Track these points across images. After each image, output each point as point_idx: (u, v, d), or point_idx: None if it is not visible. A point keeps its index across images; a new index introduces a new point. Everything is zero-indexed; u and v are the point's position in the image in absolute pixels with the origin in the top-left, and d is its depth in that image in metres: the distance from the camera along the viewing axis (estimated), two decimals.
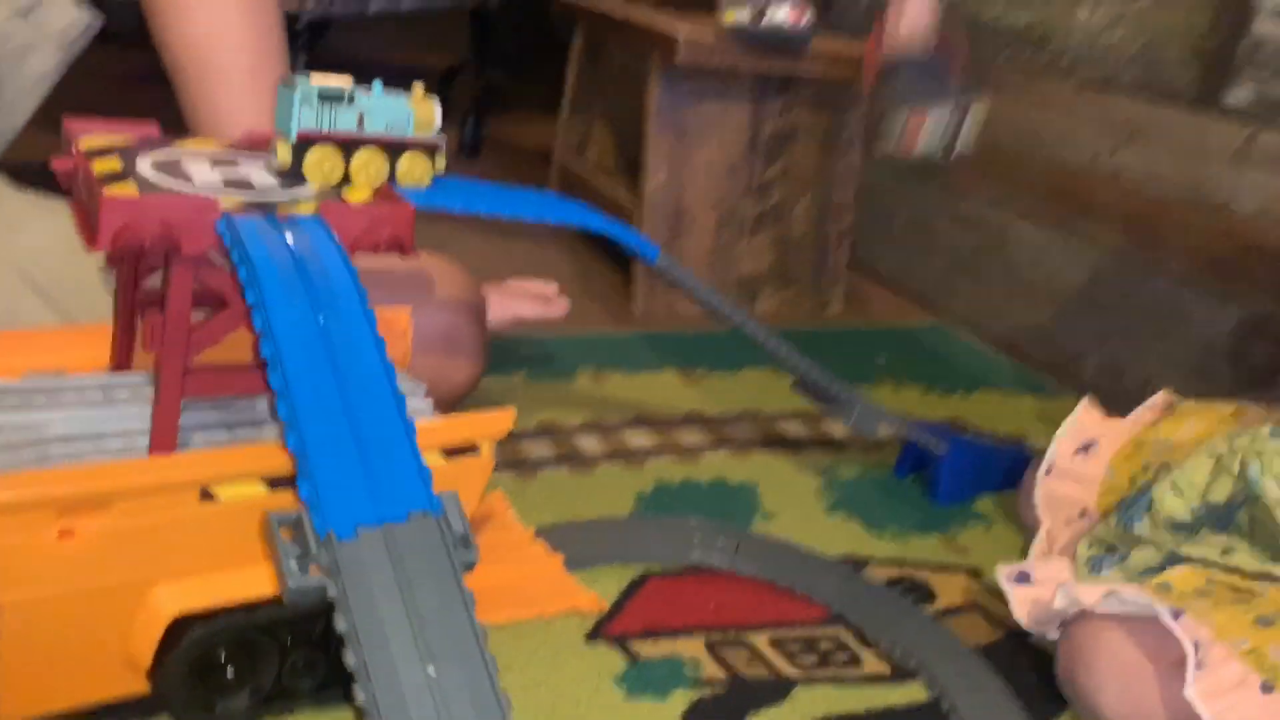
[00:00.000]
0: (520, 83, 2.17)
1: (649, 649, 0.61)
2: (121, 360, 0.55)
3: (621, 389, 0.96)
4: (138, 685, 0.50)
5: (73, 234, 0.66)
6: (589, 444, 0.84)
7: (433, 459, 0.52)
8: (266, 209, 0.46)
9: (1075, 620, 0.55)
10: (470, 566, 0.36)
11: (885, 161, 1.31)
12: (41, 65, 0.70)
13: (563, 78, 1.46)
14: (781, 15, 1.10)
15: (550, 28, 2.20)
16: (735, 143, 1.19)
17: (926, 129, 0.91)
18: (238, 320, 0.47)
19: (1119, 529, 0.60)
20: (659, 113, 1.15)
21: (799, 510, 0.79)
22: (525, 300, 0.86)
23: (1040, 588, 0.59)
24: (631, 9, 1.28)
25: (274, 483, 0.48)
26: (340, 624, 0.32)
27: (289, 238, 0.43)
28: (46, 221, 0.64)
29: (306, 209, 0.46)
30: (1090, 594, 0.54)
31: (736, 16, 1.10)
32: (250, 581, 0.49)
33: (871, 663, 0.62)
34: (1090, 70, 1.14)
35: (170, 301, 0.44)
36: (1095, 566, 0.59)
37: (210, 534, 0.48)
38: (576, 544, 0.68)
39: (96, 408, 0.52)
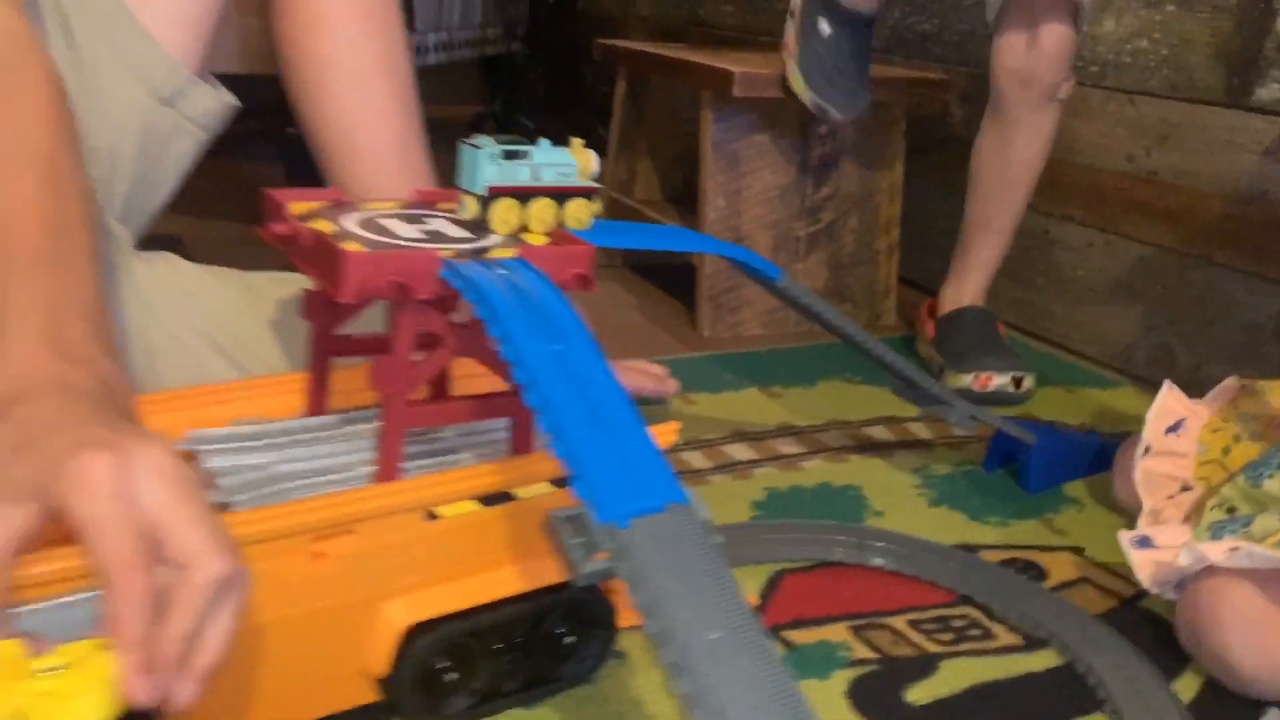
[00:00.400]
0: (547, 127, 2.24)
1: (800, 636, 0.66)
2: (316, 405, 0.61)
3: (711, 408, 1.01)
4: (369, 695, 0.55)
5: (241, 296, 0.72)
6: (696, 459, 0.90)
7: None
8: (477, 255, 0.51)
9: (1199, 577, 0.61)
10: (719, 547, 0.41)
11: (926, 175, 1.38)
12: (184, 147, 0.76)
13: (589, 121, 1.53)
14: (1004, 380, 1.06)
15: (576, 73, 2.28)
16: (786, 169, 1.26)
17: (993, 383, 1.03)
18: (449, 357, 0.53)
19: (1247, 486, 0.65)
20: (714, 145, 1.21)
21: (904, 507, 0.84)
22: (645, 378, 0.96)
23: (1162, 551, 0.64)
24: (677, 50, 1.35)
25: (486, 500, 0.54)
26: (636, 599, 0.38)
27: (507, 278, 0.49)
28: (218, 287, 0.70)
29: (508, 253, 0.52)
30: (1216, 550, 0.59)
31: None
32: (466, 592, 0.55)
33: (1004, 636, 0.68)
34: (1120, 78, 1.21)
35: (397, 343, 0.50)
36: (1217, 532, 0.64)
37: (434, 551, 0.54)
38: None
39: (308, 447, 0.58)
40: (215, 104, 0.76)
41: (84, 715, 0.41)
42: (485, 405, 0.55)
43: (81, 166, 0.57)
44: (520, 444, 0.56)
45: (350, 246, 0.49)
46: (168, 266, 0.70)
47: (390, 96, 0.76)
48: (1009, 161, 1.11)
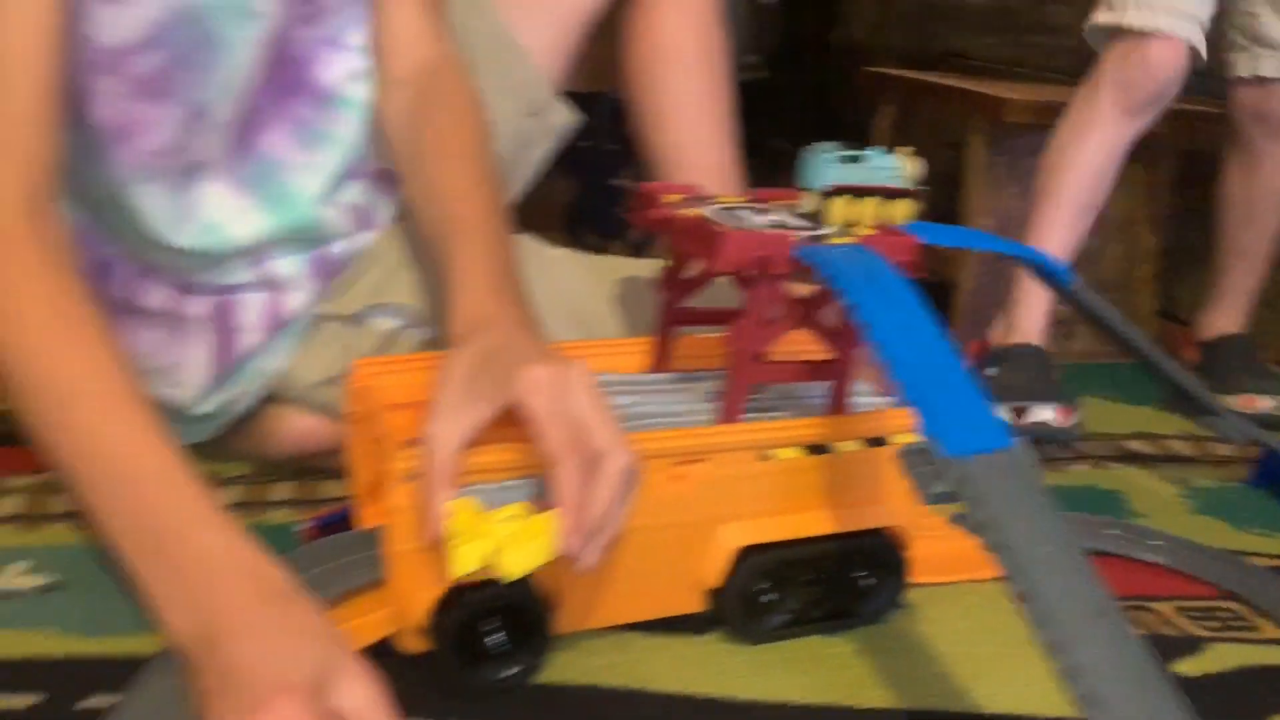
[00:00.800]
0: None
1: None
2: (660, 364, 0.72)
3: None
4: (698, 605, 0.66)
5: (587, 275, 0.85)
6: None
7: (907, 438, 0.66)
8: (817, 241, 0.61)
9: None
10: (1047, 490, 0.49)
11: (1195, 208, 1.39)
12: (538, 154, 0.90)
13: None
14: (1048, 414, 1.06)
15: (826, 100, 2.38)
16: None
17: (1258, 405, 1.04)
18: (790, 326, 0.63)
19: None
20: (983, 168, 1.28)
21: (1166, 513, 0.88)
22: None
23: None
24: (950, 77, 1.42)
25: (810, 449, 0.64)
26: (976, 517, 0.46)
27: (851, 257, 0.58)
28: (569, 266, 0.83)
29: (845, 240, 0.62)
30: None
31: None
32: (788, 526, 0.65)
33: (1270, 630, 0.71)
34: None
35: (752, 309, 0.61)
36: None
37: (765, 487, 0.64)
38: None
39: (657, 396, 0.69)
40: (567, 118, 0.90)
41: (538, 554, 0.53)
42: (813, 369, 0.65)
43: (495, 160, 0.71)
44: (837, 405, 0.66)
45: (726, 229, 0.60)
46: (529, 245, 0.84)
47: (715, 119, 0.89)
48: (1255, 192, 1.13)
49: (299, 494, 0.82)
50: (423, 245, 0.73)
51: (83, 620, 0.65)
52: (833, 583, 0.66)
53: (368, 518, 0.68)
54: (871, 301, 0.53)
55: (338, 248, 0.80)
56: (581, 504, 0.54)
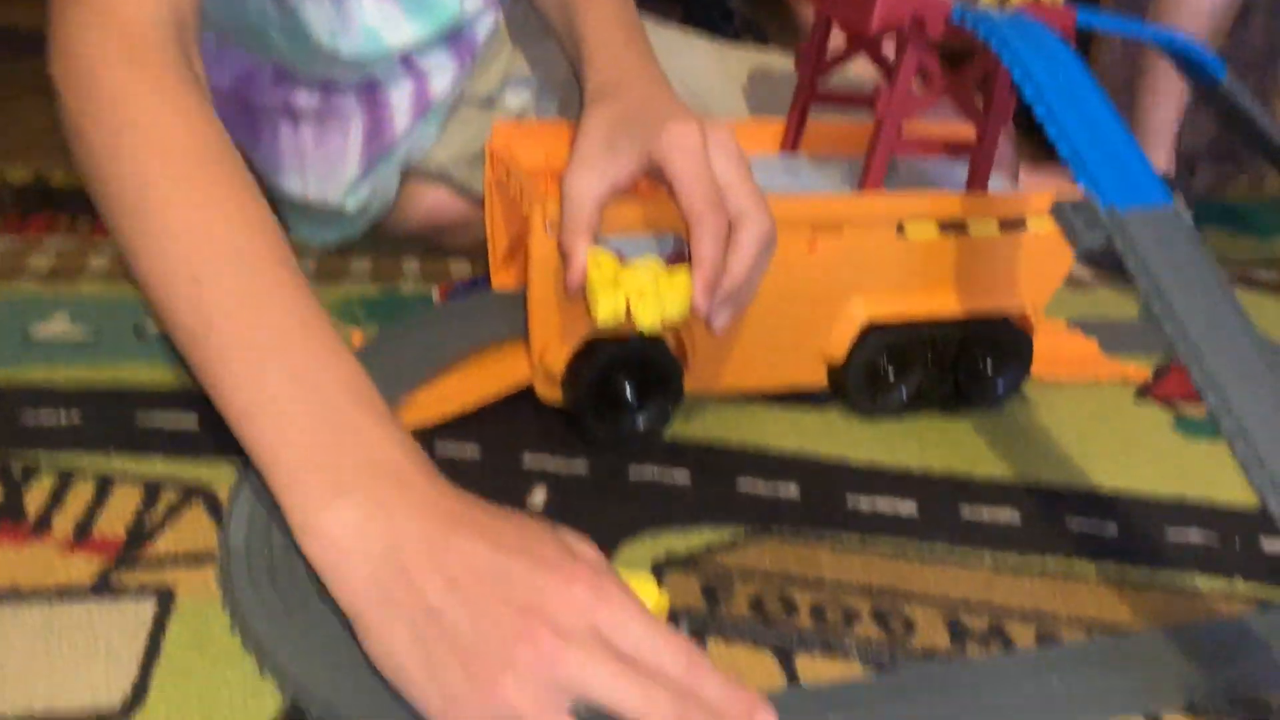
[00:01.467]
0: None
1: (1192, 410, 0.72)
2: (791, 143, 0.72)
3: None
4: (820, 378, 0.67)
5: (708, 57, 0.84)
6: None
7: (1046, 223, 0.66)
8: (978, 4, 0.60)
9: None
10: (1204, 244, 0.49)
11: None
12: None
13: None
14: None
15: None
16: None
17: None
18: (937, 96, 0.62)
19: None
20: None
21: None
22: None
23: None
24: None
25: (945, 227, 0.64)
26: (1130, 264, 0.46)
27: (1010, 20, 0.57)
28: (688, 46, 0.82)
29: (1008, 7, 0.60)
30: None
31: None
32: (916, 303, 0.65)
33: None
34: None
35: (902, 73, 0.60)
36: None
37: (897, 261, 0.64)
38: (1105, 335, 0.80)
39: (789, 175, 0.69)
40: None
41: (673, 308, 0.54)
42: (957, 146, 0.64)
43: None
44: (977, 183, 0.65)
45: None
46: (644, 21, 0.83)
47: None
48: None
49: (427, 269, 0.85)
50: (548, 13, 0.73)
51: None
52: (956, 365, 0.67)
53: (505, 284, 0.70)
54: (1033, 59, 0.52)
55: (474, 32, 0.79)
56: (719, 265, 0.55)
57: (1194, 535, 0.59)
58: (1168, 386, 0.75)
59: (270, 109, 0.77)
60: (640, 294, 0.54)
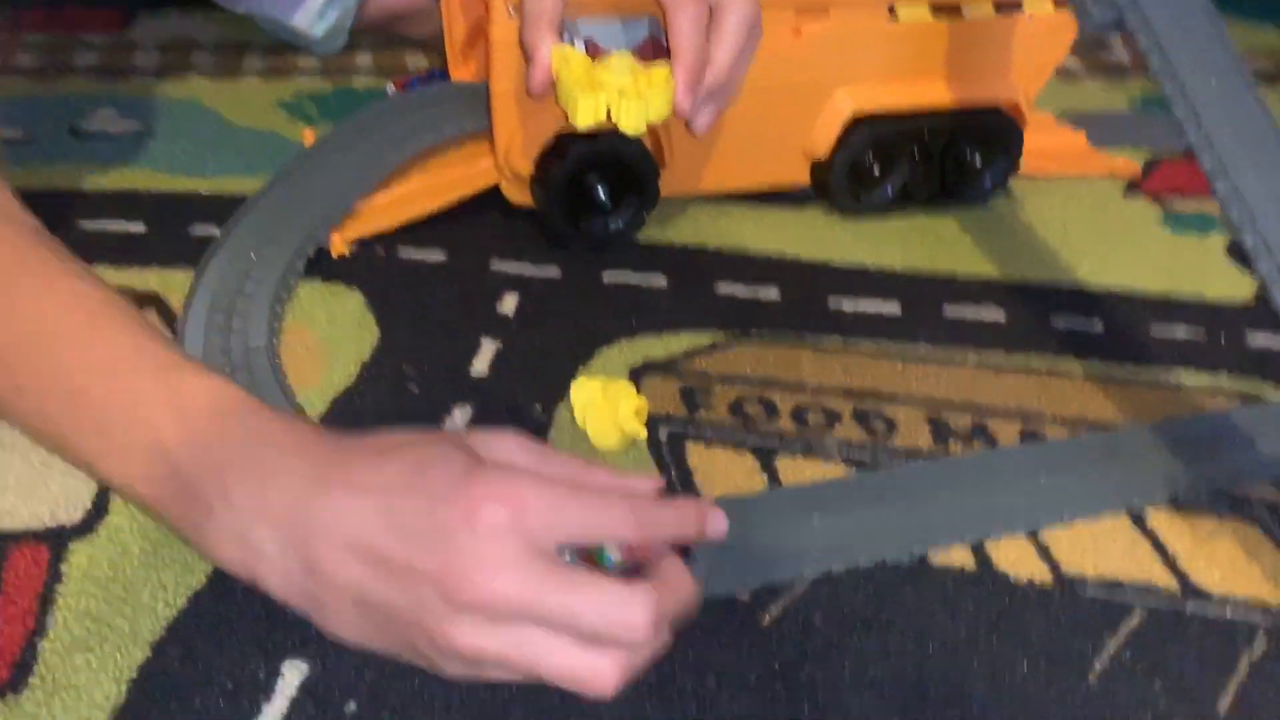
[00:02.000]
0: None
1: (1180, 205, 0.70)
2: None
3: None
4: (800, 175, 0.64)
5: None
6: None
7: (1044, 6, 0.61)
8: None
9: None
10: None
11: None
12: None
13: None
14: None
15: None
16: None
17: None
18: None
19: None
20: None
21: None
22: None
23: None
24: None
25: (936, 10, 0.60)
26: (1144, 42, 0.43)
27: None
28: None
29: None
30: None
31: None
32: (904, 94, 0.61)
33: None
34: None
35: None
36: None
37: (887, 48, 0.60)
38: (1094, 127, 0.77)
39: None
40: None
41: (655, 109, 0.50)
42: None
43: None
44: None
45: None
46: None
47: None
48: None
49: (381, 62, 0.79)
50: None
51: (179, 161, 0.65)
52: (943, 159, 0.64)
53: (463, 77, 0.65)
54: None
55: None
56: (701, 56, 0.50)
57: (1180, 331, 0.58)
58: (1157, 181, 0.73)
59: None
60: (621, 94, 0.50)
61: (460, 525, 0.32)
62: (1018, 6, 0.61)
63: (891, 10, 0.58)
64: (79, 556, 0.39)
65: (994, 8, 0.61)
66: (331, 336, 0.51)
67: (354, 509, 0.33)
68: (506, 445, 0.36)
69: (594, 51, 0.53)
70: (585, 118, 0.51)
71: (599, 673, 0.32)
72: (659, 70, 0.51)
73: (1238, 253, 0.65)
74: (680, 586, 0.34)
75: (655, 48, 0.54)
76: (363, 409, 0.47)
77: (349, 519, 0.33)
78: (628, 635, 0.32)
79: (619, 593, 0.32)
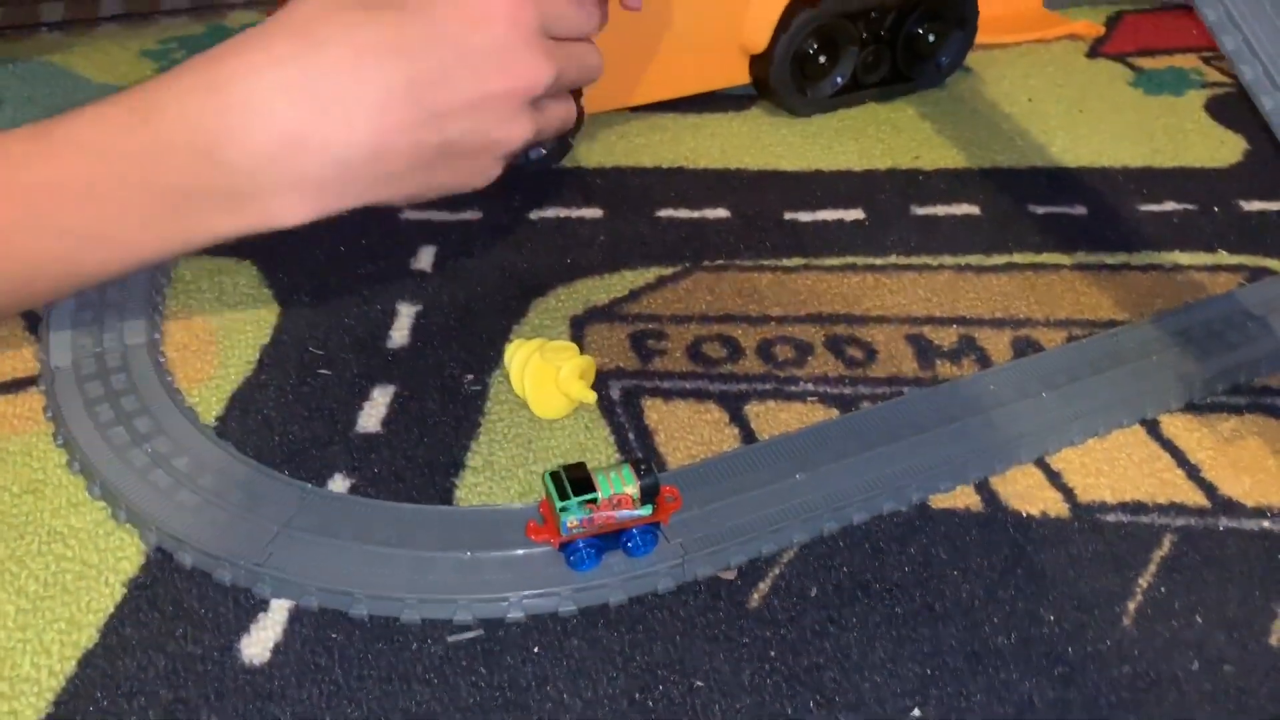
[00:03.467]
0: None
1: (1149, 63, 0.65)
2: None
3: None
4: (742, 76, 0.57)
5: None
6: None
7: None
8: None
9: None
10: None
11: None
12: None
13: None
14: None
15: None
16: None
17: None
18: None
19: None
20: None
21: None
22: None
23: None
24: None
25: None
26: None
27: None
28: None
29: None
30: None
31: None
32: None
33: None
34: None
35: None
36: None
37: None
38: None
39: None
40: None
41: None
42: None
43: None
44: None
45: None
46: None
47: None
48: None
49: None
50: None
51: None
52: (892, 42, 0.57)
53: None
54: None
55: None
56: None
57: (1169, 205, 0.53)
58: (1121, 40, 0.67)
59: None
60: None
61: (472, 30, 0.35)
62: None
63: None
64: None
65: None
66: (223, 321, 0.45)
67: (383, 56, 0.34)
68: None
69: None
70: None
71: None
72: None
73: (1218, 111, 0.60)
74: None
75: None
76: (266, 402, 0.41)
77: (384, 76, 0.34)
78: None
79: None
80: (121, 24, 0.67)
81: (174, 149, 0.34)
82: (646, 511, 0.33)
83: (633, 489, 0.32)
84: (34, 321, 0.44)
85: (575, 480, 0.32)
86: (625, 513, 0.32)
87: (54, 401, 0.38)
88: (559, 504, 0.32)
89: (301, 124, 0.34)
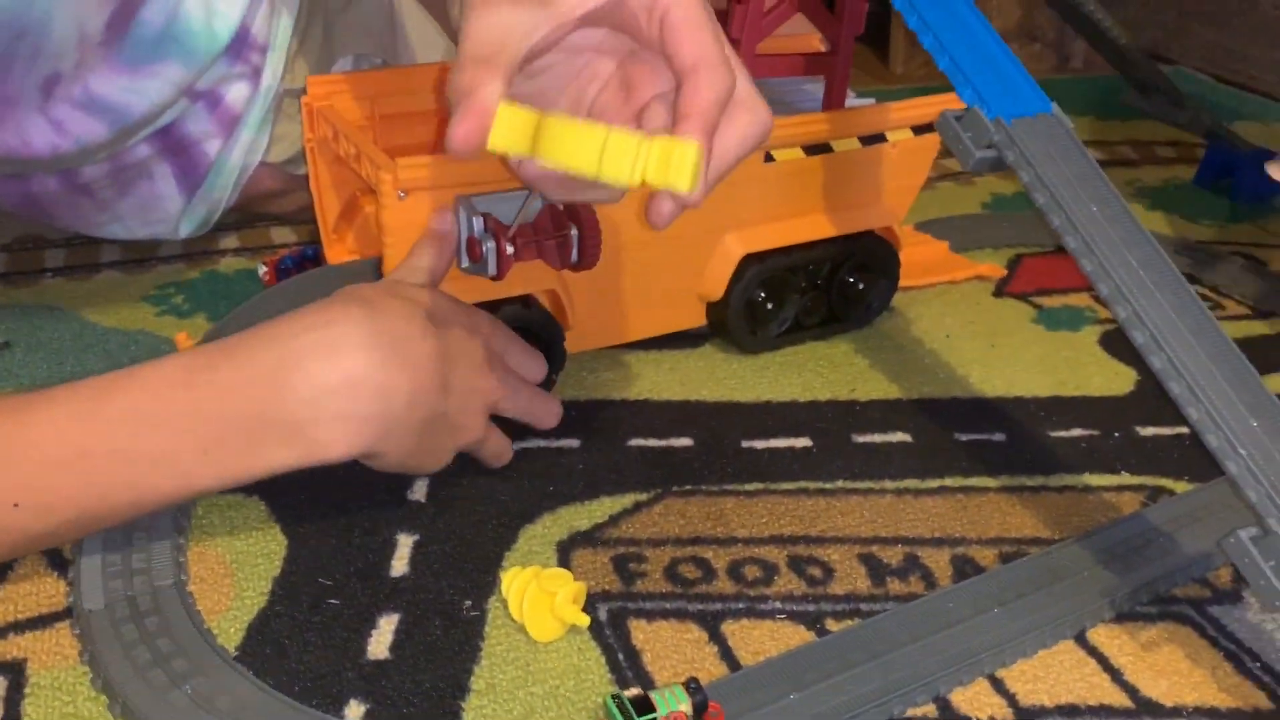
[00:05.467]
0: None
1: (1048, 301, 0.74)
2: None
3: None
4: (697, 319, 0.64)
5: None
6: None
7: (904, 134, 0.64)
8: None
9: None
10: (1084, 148, 0.48)
11: None
12: None
13: None
14: None
15: None
16: None
17: None
18: (791, 12, 0.59)
19: None
20: None
21: None
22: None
23: None
24: None
25: (809, 149, 0.61)
26: (1024, 178, 0.45)
27: None
28: None
29: None
30: None
31: None
32: (788, 231, 0.63)
33: (1234, 308, 0.74)
34: None
35: None
36: None
37: (768, 190, 0.61)
38: (952, 233, 0.80)
39: None
40: None
41: (684, 177, 0.40)
42: (811, 62, 0.62)
43: None
44: (835, 100, 0.63)
45: None
46: None
47: None
48: None
49: (247, 242, 0.77)
50: None
51: (41, 373, 0.61)
52: (827, 289, 0.65)
53: (339, 255, 0.64)
54: None
55: (257, 28, 0.69)
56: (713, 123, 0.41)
57: (1076, 431, 0.60)
58: (1023, 280, 0.76)
59: (56, 194, 0.68)
60: (663, 161, 0.38)
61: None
62: (881, 138, 0.64)
63: (768, 155, 0.60)
64: None
65: (859, 141, 0.63)
66: (237, 554, 0.48)
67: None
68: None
69: (496, 226, 0.52)
70: (625, 175, 0.38)
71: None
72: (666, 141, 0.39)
73: (1110, 345, 0.69)
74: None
75: (554, 215, 0.53)
76: (281, 631, 0.44)
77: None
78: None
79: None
80: (121, 270, 0.72)
81: (247, 381, 0.42)
82: None
83: (686, 706, 0.37)
84: (54, 558, 0.47)
85: (635, 702, 0.37)
86: None
87: (90, 645, 0.41)
88: None
89: (361, 367, 0.42)
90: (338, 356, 0.43)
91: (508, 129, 0.38)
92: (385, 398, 0.44)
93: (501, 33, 0.39)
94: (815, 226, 0.63)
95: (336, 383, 0.42)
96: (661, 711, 0.37)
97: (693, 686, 0.38)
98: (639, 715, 0.36)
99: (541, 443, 0.57)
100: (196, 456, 0.42)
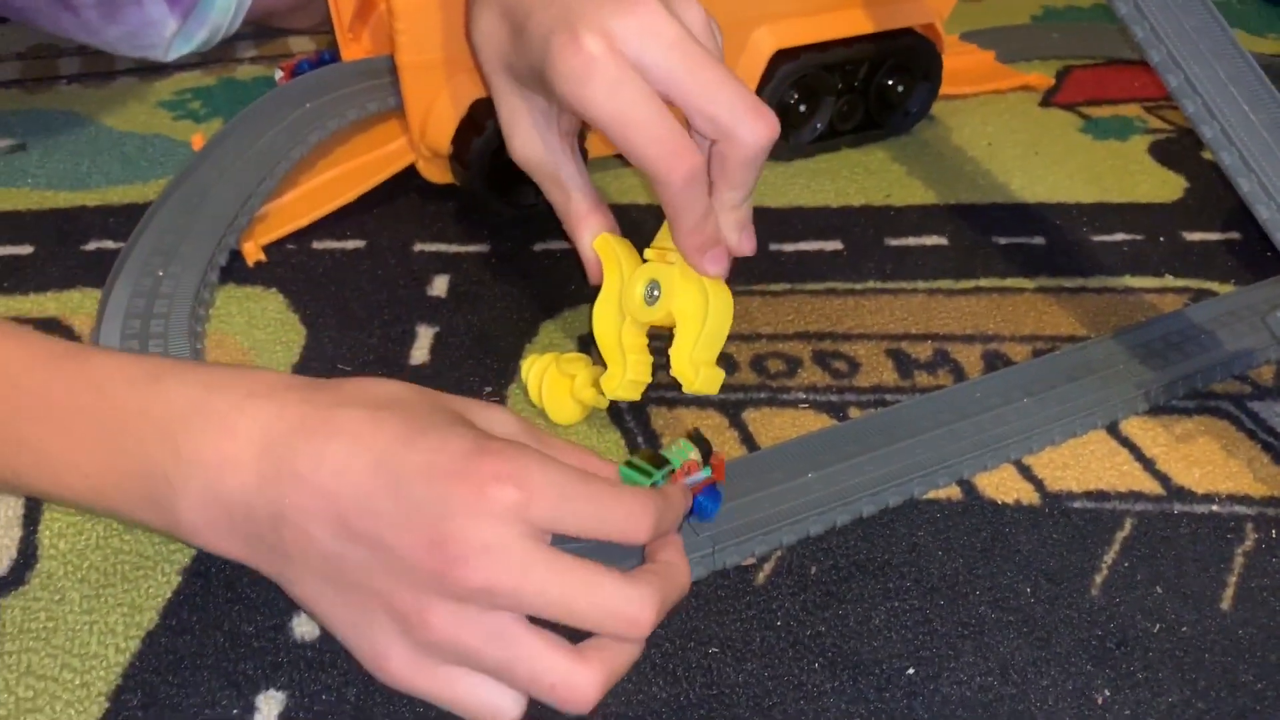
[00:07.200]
0: None
1: (1097, 111, 0.70)
2: None
3: None
4: None
5: None
6: None
7: None
8: None
9: None
10: None
11: None
12: None
13: None
14: None
15: None
16: None
17: None
18: None
19: None
20: None
21: None
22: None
23: None
24: None
25: None
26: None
27: None
28: None
29: None
30: None
31: None
32: (823, 26, 0.60)
33: None
34: None
35: None
36: None
37: None
38: (999, 43, 0.76)
39: None
40: None
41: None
42: None
43: None
44: None
45: None
46: None
47: None
48: None
49: (265, 50, 0.75)
50: None
51: (59, 176, 0.60)
52: (864, 92, 0.62)
53: (354, 55, 0.62)
54: None
55: None
56: (705, 225, 0.39)
57: (1119, 235, 0.57)
58: (1070, 91, 0.73)
59: (38, 5, 0.64)
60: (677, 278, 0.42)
61: (464, 500, 0.28)
62: None
63: None
64: (13, 611, 0.36)
65: None
66: (256, 342, 0.48)
67: (342, 458, 0.29)
68: (503, 420, 0.34)
69: None
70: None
71: (579, 684, 0.29)
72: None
73: (1161, 154, 0.66)
74: (680, 573, 0.32)
75: None
76: None
77: (334, 468, 0.29)
78: (629, 632, 0.30)
79: (622, 587, 0.30)
80: (137, 77, 0.71)
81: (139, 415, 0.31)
82: (708, 473, 0.37)
83: (695, 454, 0.37)
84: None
85: (649, 459, 0.37)
86: (694, 477, 0.37)
87: None
88: (650, 480, 0.36)
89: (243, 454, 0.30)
90: (233, 433, 0.30)
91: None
92: (248, 493, 0.30)
93: (536, 165, 0.45)
94: (852, 21, 0.60)
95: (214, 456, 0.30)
96: (675, 464, 0.36)
97: (697, 435, 0.38)
98: (656, 469, 0.36)
99: (562, 244, 0.55)
100: (72, 452, 0.32)
